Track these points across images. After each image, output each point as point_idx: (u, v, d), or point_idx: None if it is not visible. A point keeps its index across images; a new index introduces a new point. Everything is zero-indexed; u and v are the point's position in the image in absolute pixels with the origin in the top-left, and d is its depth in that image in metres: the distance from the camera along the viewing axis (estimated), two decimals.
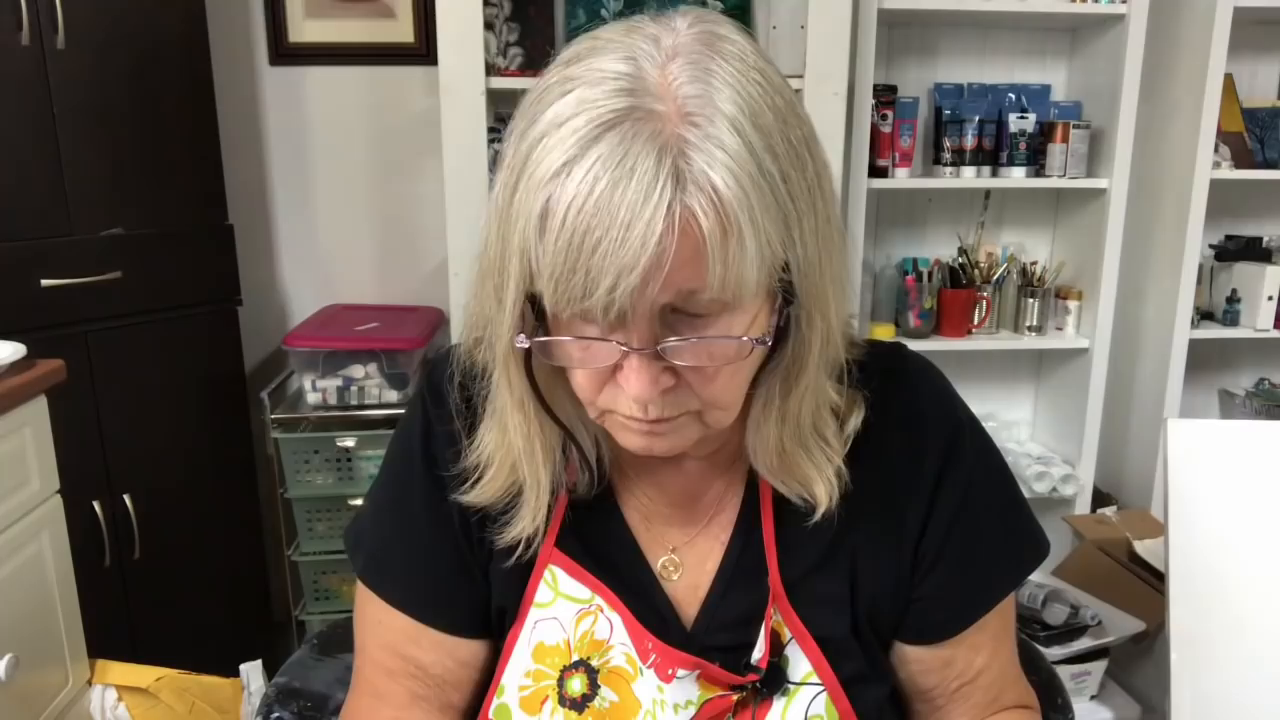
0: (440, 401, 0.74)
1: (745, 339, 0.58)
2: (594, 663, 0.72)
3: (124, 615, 1.92)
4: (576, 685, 0.72)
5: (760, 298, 0.58)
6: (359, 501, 2.06)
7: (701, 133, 0.53)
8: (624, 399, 0.60)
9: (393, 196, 2.40)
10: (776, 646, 0.70)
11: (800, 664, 0.70)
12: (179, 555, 2.02)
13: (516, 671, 0.74)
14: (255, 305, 2.28)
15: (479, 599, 0.76)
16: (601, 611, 0.72)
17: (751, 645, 0.70)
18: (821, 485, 0.67)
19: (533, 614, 0.73)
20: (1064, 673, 1.84)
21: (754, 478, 0.72)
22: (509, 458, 0.69)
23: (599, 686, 0.72)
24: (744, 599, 0.71)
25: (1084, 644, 1.88)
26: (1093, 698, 1.99)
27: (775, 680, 0.70)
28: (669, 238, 0.52)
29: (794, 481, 0.68)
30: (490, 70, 1.85)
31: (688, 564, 0.74)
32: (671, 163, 0.52)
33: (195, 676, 1.61)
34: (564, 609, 0.73)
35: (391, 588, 0.76)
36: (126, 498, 1.90)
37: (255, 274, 2.33)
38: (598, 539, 0.74)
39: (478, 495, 0.71)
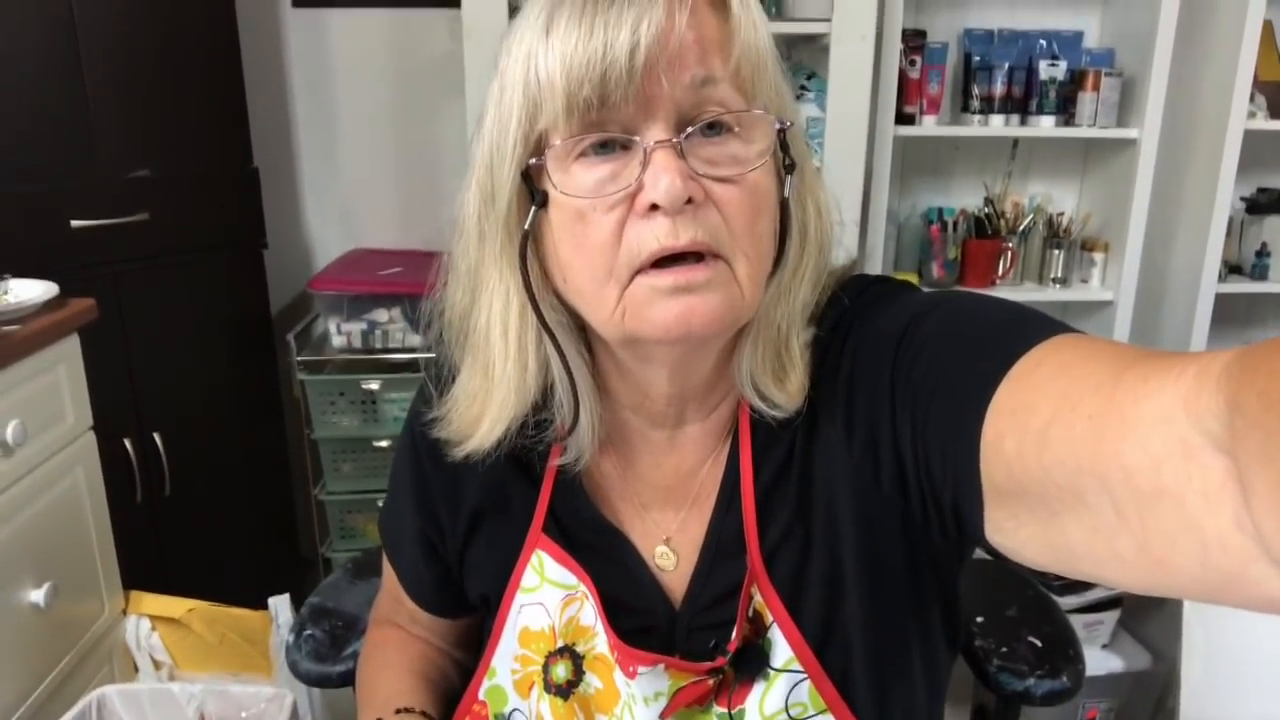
0: (428, 403, 0.74)
1: (760, 153, 0.60)
2: (579, 649, 0.71)
3: (155, 549, 1.97)
4: (561, 672, 0.72)
5: (768, 135, 0.61)
6: (385, 444, 2.10)
7: None
8: (650, 232, 0.57)
9: (416, 140, 2.39)
10: (759, 628, 0.68)
11: (782, 649, 0.67)
12: (208, 492, 2.06)
13: (505, 655, 0.75)
14: (280, 248, 2.30)
15: (451, 589, 0.81)
16: (587, 599, 0.71)
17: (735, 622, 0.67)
18: (795, 376, 0.65)
19: (518, 598, 0.74)
20: (1077, 622, 1.87)
21: (736, 450, 0.69)
22: (490, 400, 0.68)
23: (584, 673, 0.71)
24: (727, 575, 0.69)
25: (1097, 593, 1.90)
26: (1104, 646, 2.01)
27: (752, 663, 0.67)
28: None
29: (768, 379, 0.65)
30: (513, 13, 1.83)
31: (683, 552, 0.72)
32: None
33: (226, 608, 1.65)
34: (550, 594, 0.72)
35: (392, 551, 0.85)
36: (156, 436, 1.94)
37: (280, 217, 2.34)
38: (585, 526, 0.73)
39: (475, 444, 0.69)
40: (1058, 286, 2.28)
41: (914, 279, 2.26)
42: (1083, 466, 0.45)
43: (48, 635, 1.44)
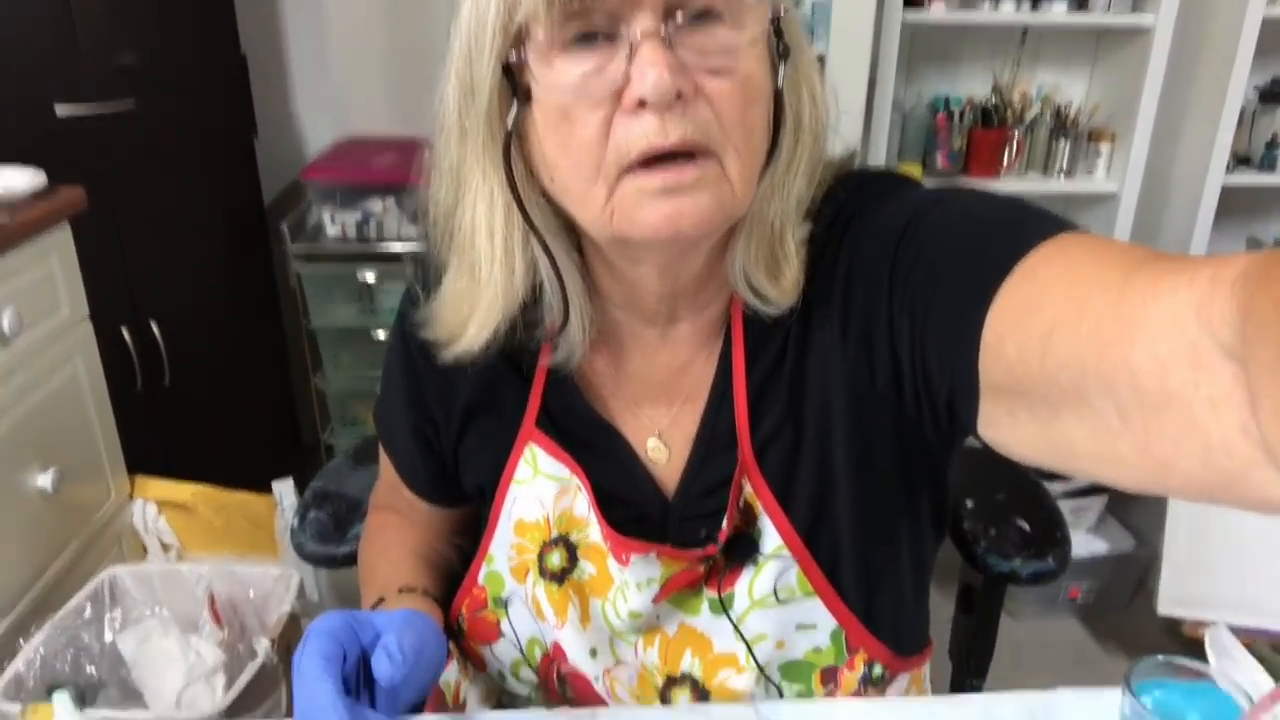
0: (416, 305, 0.72)
1: (752, 40, 0.57)
2: (573, 538, 0.73)
3: (157, 437, 1.99)
4: (556, 559, 0.73)
5: (760, 21, 0.57)
6: (382, 334, 2.10)
7: None
8: (638, 130, 0.55)
9: (408, 24, 2.31)
10: (750, 518, 0.69)
11: (771, 537, 0.68)
12: (208, 381, 2.07)
13: (502, 543, 0.76)
14: (270, 137, 2.25)
15: (447, 480, 0.82)
16: (580, 491, 0.72)
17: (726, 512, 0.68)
18: (790, 272, 0.64)
19: (512, 490, 0.75)
20: (1064, 506, 1.91)
21: (729, 347, 0.69)
22: (478, 304, 0.66)
23: (578, 560, 0.73)
24: (718, 468, 0.70)
25: (1085, 480, 1.93)
26: (1090, 530, 2.07)
27: (742, 551, 0.69)
28: None
29: (762, 275, 0.64)
30: None
31: (674, 445, 0.72)
32: None
33: (230, 492, 1.69)
34: (543, 487, 0.73)
35: (388, 443, 0.85)
36: (154, 325, 1.94)
37: (269, 106, 2.28)
38: (578, 421, 0.73)
39: (464, 345, 0.68)
40: (1062, 177, 2.25)
41: (918, 170, 2.23)
42: (1088, 369, 0.44)
43: (57, 518, 1.48)
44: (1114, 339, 0.43)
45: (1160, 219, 2.27)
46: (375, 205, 2.07)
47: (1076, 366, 0.45)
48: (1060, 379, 0.46)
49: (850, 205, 0.65)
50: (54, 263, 1.49)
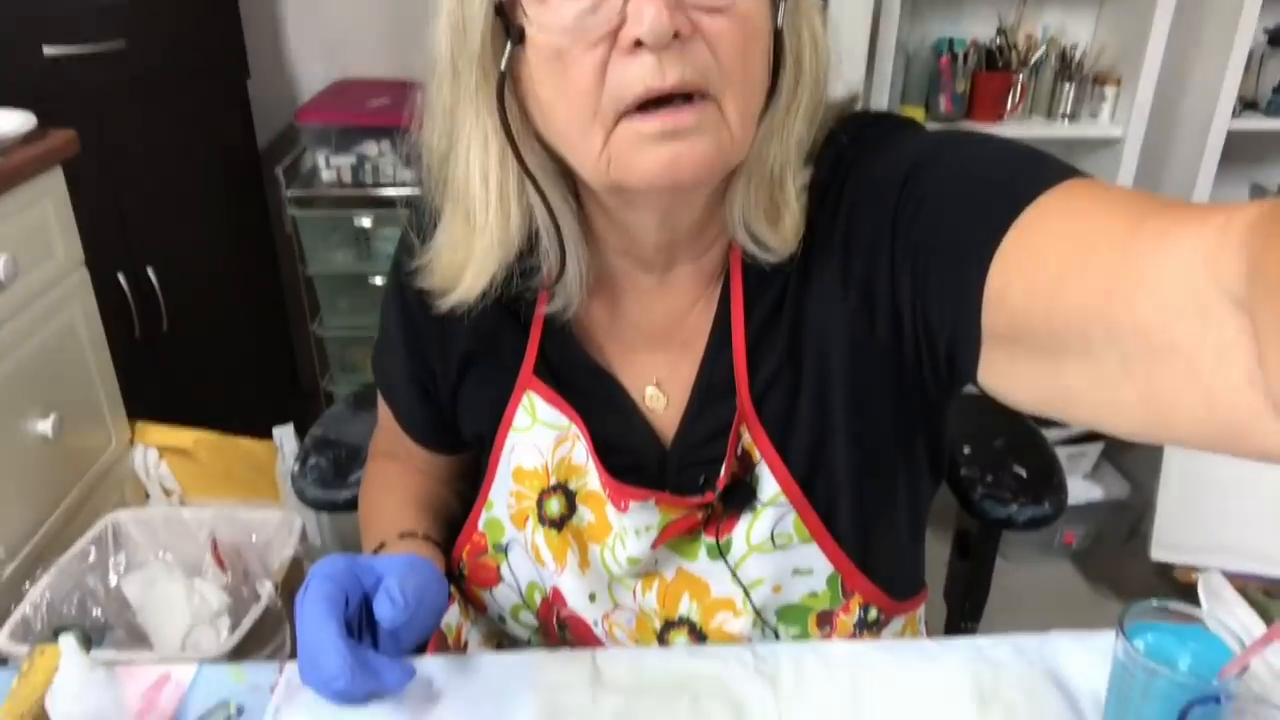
0: (412, 252, 0.71)
1: None
2: (572, 485, 0.73)
3: (155, 384, 1.99)
4: (555, 506, 0.74)
5: None
6: (380, 280, 2.09)
7: None
8: (635, 72, 0.53)
9: None
10: (748, 465, 0.69)
11: (769, 485, 0.69)
12: (206, 327, 2.07)
13: (501, 490, 0.76)
14: (263, 78, 2.21)
15: (447, 427, 0.82)
16: (578, 439, 0.72)
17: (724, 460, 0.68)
18: (790, 218, 0.63)
19: (511, 437, 0.75)
20: (1061, 453, 1.92)
21: (727, 294, 0.69)
22: (471, 250, 0.66)
23: (577, 507, 0.73)
24: (716, 415, 0.70)
25: (1081, 426, 1.94)
26: (1086, 476, 2.08)
27: (740, 498, 0.69)
28: None
29: (761, 221, 0.63)
30: None
31: (672, 393, 0.72)
32: None
33: (231, 438, 1.69)
34: (542, 435, 0.73)
35: (386, 390, 0.85)
36: (150, 271, 1.92)
37: (261, 46, 2.24)
38: (576, 369, 0.73)
39: (460, 295, 0.67)
40: (1066, 122, 2.22)
41: (920, 114, 2.19)
42: (1092, 318, 0.44)
43: (59, 464, 1.48)
44: (1120, 289, 0.43)
45: (1164, 164, 2.24)
46: (370, 148, 2.04)
47: (1081, 316, 0.45)
48: (1064, 328, 0.46)
49: (852, 150, 0.64)
50: (47, 207, 1.47)
